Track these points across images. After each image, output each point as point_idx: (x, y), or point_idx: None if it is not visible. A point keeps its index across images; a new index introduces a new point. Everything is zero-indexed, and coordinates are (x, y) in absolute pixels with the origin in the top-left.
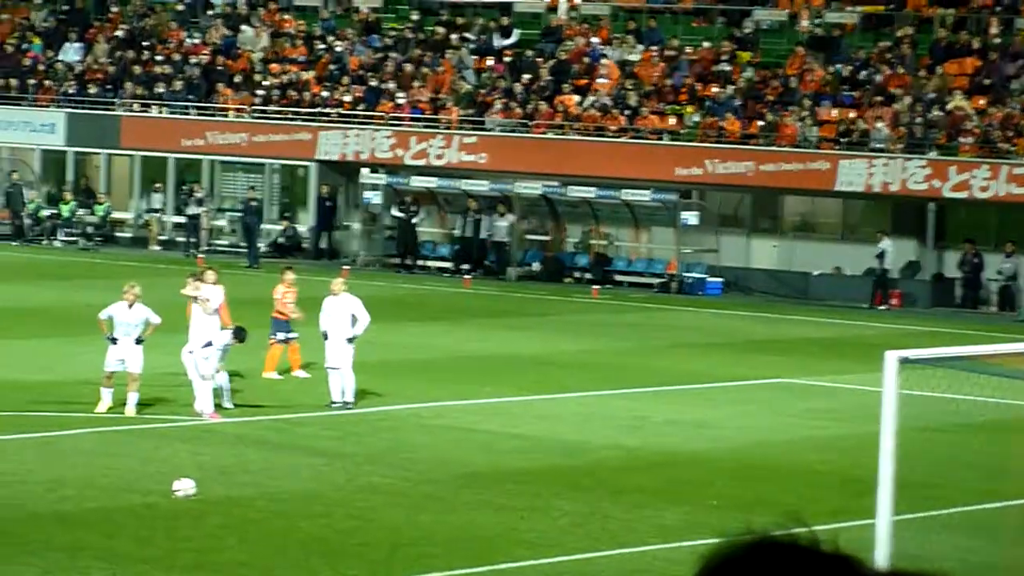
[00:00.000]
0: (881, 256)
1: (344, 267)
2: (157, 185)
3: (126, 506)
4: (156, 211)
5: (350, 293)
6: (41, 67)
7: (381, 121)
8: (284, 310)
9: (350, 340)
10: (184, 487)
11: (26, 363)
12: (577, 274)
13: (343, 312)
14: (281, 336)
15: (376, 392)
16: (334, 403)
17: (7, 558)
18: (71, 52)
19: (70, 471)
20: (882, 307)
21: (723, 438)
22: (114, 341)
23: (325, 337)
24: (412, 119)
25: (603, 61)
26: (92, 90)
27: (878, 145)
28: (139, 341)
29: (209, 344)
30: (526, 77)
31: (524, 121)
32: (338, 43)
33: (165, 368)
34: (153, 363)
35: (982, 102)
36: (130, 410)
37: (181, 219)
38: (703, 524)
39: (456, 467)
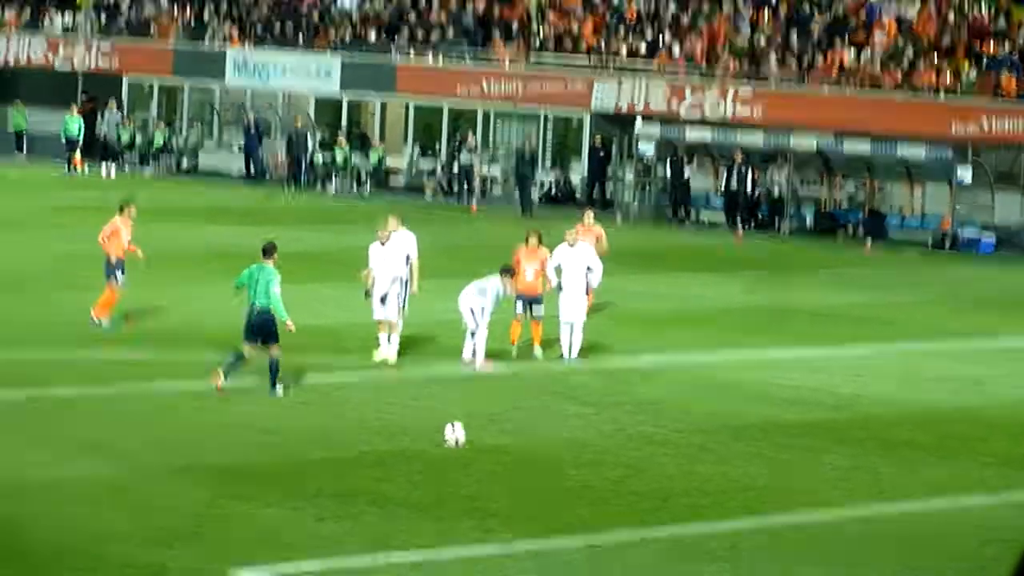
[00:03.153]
0: None
1: (589, 214)
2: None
3: (396, 450)
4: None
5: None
6: (318, 13)
7: (656, 72)
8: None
9: (585, 291)
10: (455, 433)
11: (301, 308)
12: (850, 229)
13: (578, 263)
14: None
15: (646, 342)
16: (563, 357)
17: (280, 503)
18: None
19: (341, 417)
20: None
21: (996, 394)
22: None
23: (559, 289)
24: (687, 71)
25: (881, 16)
26: (369, 37)
27: None
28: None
29: (484, 291)
30: (801, 31)
31: (800, 75)
32: None
33: (435, 314)
34: (426, 309)
35: None
36: (390, 356)
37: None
38: (976, 480)
39: (727, 418)
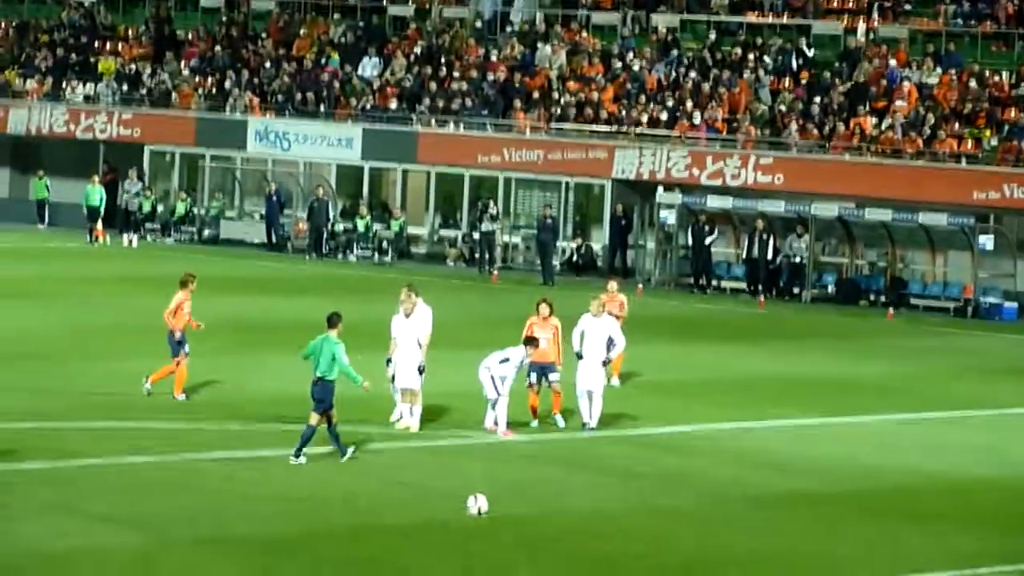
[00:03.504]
0: None
1: (613, 283)
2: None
3: (420, 521)
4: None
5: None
6: (338, 82)
7: (677, 140)
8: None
9: (604, 363)
10: (478, 503)
11: None
12: (872, 297)
13: (601, 333)
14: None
15: (668, 412)
16: (586, 425)
17: (304, 572)
18: (368, 67)
19: (365, 485)
20: None
21: (1021, 463)
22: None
23: (579, 357)
24: (708, 139)
25: (902, 84)
26: (390, 105)
27: None
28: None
29: (507, 360)
30: (823, 98)
31: (821, 142)
32: (635, 61)
33: (456, 384)
34: (447, 379)
35: None
36: (414, 425)
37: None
38: (1001, 551)
39: (751, 489)
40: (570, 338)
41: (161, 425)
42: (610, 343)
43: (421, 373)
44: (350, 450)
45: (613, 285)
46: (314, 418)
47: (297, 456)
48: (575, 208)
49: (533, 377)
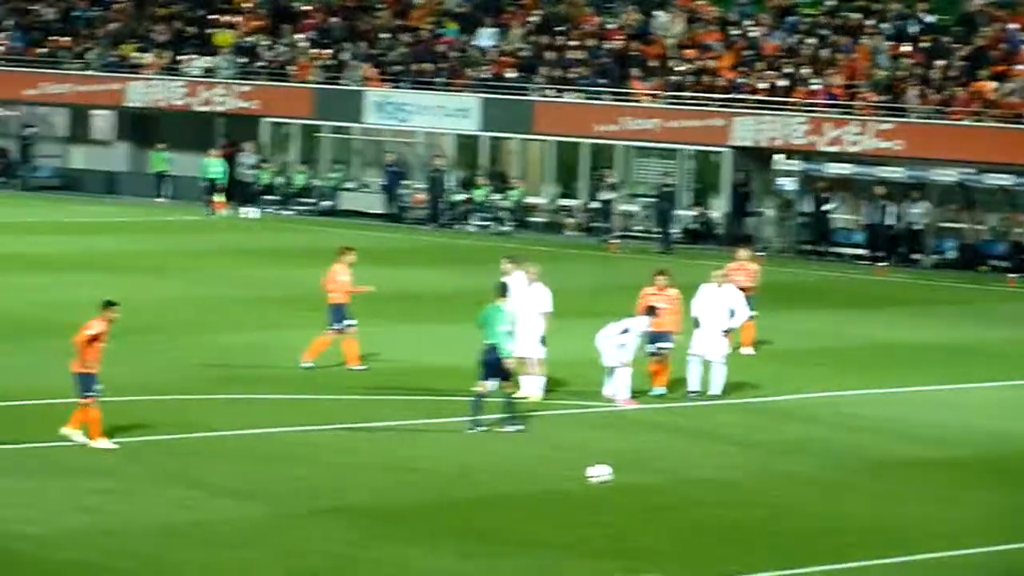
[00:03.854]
0: None
1: (743, 251)
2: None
3: (541, 491)
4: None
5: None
6: (455, 52)
7: (795, 107)
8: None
9: (725, 332)
10: (599, 473)
11: (441, 347)
12: (993, 262)
13: (721, 303)
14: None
15: (788, 379)
16: (690, 393)
17: (424, 542)
18: (485, 37)
19: (484, 456)
20: None
21: None
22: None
23: (696, 324)
24: (827, 105)
25: (1021, 47)
26: (507, 75)
27: None
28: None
29: (627, 331)
30: (941, 63)
31: (940, 108)
32: (753, 28)
33: (580, 352)
34: (567, 348)
35: None
36: (535, 394)
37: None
38: None
39: (872, 456)
40: (691, 308)
41: (282, 396)
42: (731, 313)
43: (543, 344)
44: (514, 425)
45: (743, 254)
46: (483, 386)
47: (473, 427)
48: (693, 176)
49: (652, 346)
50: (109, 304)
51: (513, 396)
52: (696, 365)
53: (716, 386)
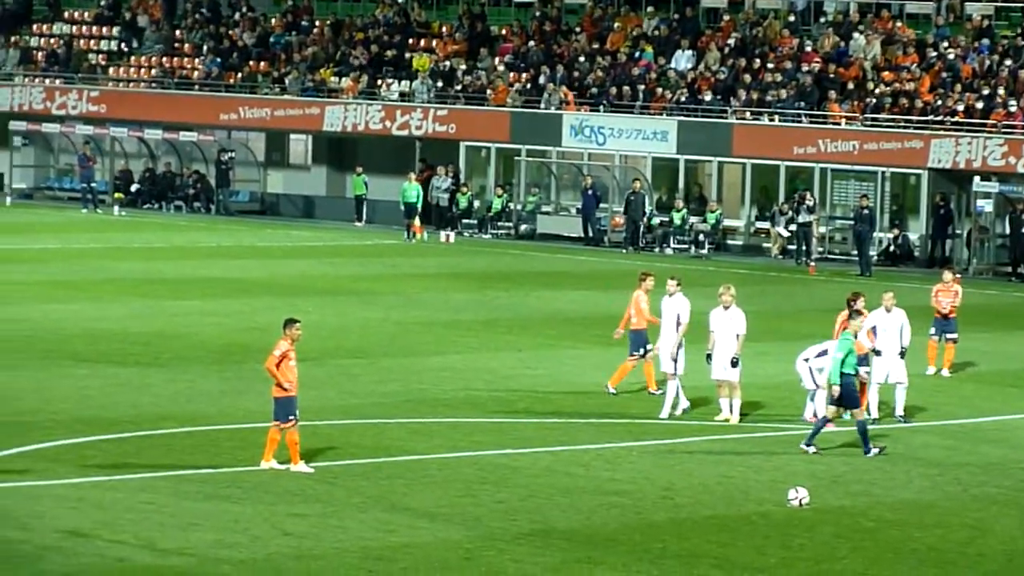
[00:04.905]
0: None
1: (947, 273)
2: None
3: (741, 514)
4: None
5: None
6: (653, 75)
7: (993, 129)
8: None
9: (902, 354)
10: (799, 495)
11: (638, 371)
12: None
13: (894, 326)
14: (641, 351)
15: (988, 402)
16: (873, 419)
17: (624, 565)
18: (682, 60)
19: (684, 478)
20: None
21: None
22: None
23: (877, 354)
24: None
25: None
26: (704, 98)
27: None
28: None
29: (824, 353)
30: None
31: None
32: (950, 50)
33: (779, 375)
34: (766, 371)
35: None
36: (733, 418)
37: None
38: None
39: None
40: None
41: (480, 420)
42: (902, 334)
43: (735, 365)
44: (875, 450)
45: (948, 275)
46: (830, 411)
47: (808, 444)
48: (891, 198)
49: (861, 369)
50: (291, 321)
51: (864, 421)
52: (876, 389)
53: (899, 408)
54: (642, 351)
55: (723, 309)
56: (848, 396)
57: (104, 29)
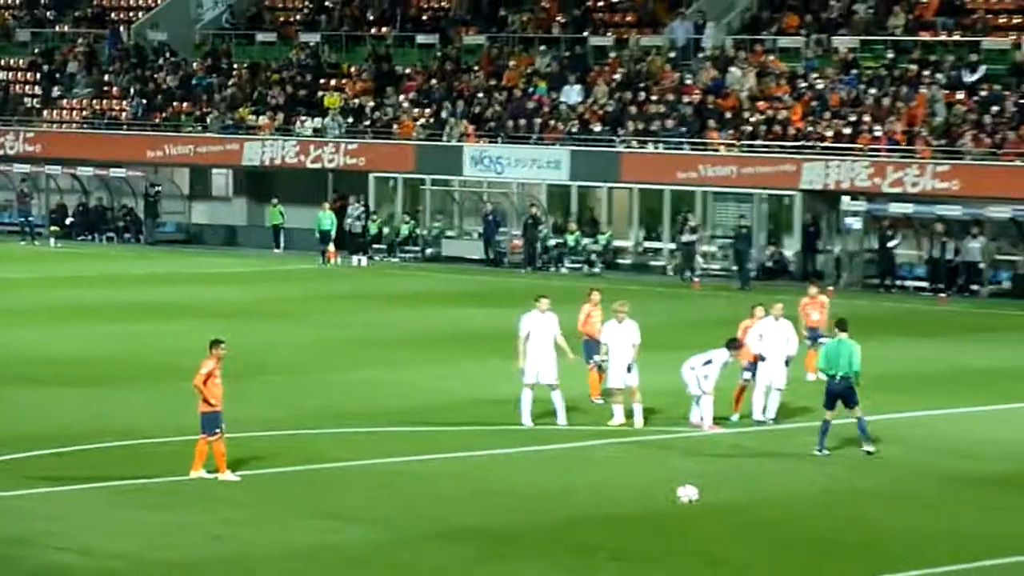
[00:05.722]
0: None
1: (812, 287)
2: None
3: (635, 511)
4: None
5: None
6: (546, 108)
7: (860, 153)
8: (592, 331)
9: (787, 362)
10: (688, 493)
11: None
12: None
13: (780, 335)
14: (597, 359)
15: (864, 401)
16: (756, 420)
17: (531, 557)
18: (573, 94)
19: (581, 479)
20: None
21: None
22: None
23: (762, 359)
24: (888, 150)
25: None
26: (594, 128)
27: None
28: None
29: (709, 362)
30: (994, 109)
31: (993, 150)
32: (820, 80)
33: (668, 383)
34: (655, 379)
35: None
36: (637, 422)
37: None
38: None
39: (939, 471)
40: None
41: (395, 429)
42: (788, 343)
43: (630, 371)
44: (870, 446)
45: (813, 289)
46: (829, 414)
47: (820, 449)
48: (767, 218)
49: (747, 374)
50: (216, 342)
51: (863, 418)
52: (762, 393)
53: (771, 411)
54: (596, 359)
55: (617, 323)
56: (848, 396)
57: (37, 75)
